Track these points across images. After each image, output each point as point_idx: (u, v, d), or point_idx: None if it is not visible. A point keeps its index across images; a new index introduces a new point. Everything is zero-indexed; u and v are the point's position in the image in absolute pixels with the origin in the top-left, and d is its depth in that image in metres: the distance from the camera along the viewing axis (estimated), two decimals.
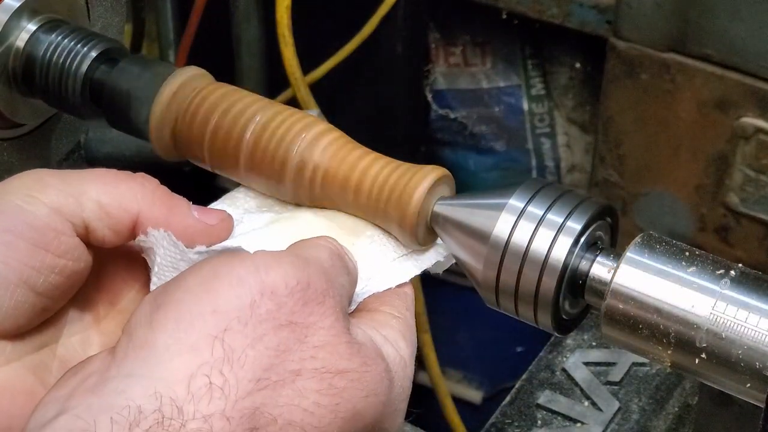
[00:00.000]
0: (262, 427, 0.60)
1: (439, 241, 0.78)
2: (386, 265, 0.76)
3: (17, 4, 0.87)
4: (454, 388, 2.05)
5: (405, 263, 0.77)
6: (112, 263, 0.73)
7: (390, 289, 0.74)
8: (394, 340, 0.70)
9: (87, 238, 0.69)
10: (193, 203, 0.73)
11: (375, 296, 0.73)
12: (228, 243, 0.73)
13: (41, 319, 0.69)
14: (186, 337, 0.60)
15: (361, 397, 0.64)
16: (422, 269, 0.77)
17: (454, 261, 0.79)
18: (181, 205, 0.71)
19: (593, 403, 1.07)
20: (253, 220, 0.78)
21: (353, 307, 0.73)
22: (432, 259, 0.78)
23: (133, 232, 0.70)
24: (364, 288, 0.73)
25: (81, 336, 0.72)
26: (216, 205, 0.79)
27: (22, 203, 0.66)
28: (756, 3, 1.45)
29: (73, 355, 0.70)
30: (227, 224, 0.74)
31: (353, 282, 0.71)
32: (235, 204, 0.80)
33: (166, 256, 0.70)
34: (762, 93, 1.50)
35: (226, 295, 0.62)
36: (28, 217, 0.66)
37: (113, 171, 0.71)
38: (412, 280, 0.76)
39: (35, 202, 0.67)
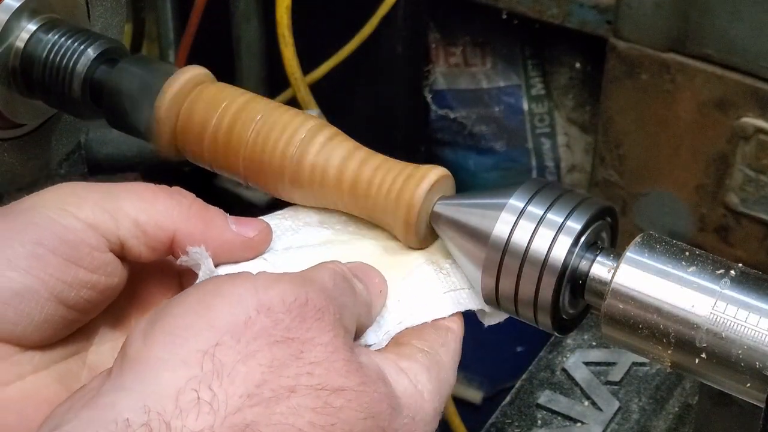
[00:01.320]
0: None
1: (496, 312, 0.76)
2: (431, 300, 0.74)
3: (17, 4, 0.87)
4: (454, 388, 2.04)
5: (450, 300, 0.74)
6: (147, 275, 0.73)
7: (428, 323, 0.72)
8: (414, 373, 0.67)
9: (122, 253, 0.68)
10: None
11: (410, 330, 0.72)
12: (254, 262, 0.72)
13: (71, 330, 0.68)
14: (177, 351, 0.59)
15: (358, 418, 0.62)
16: (469, 308, 0.75)
17: (501, 319, 0.77)
18: (217, 218, 0.70)
19: (593, 403, 1.07)
20: (309, 235, 0.76)
21: (385, 341, 0.71)
22: (474, 303, 0.75)
23: (170, 248, 0.69)
24: (402, 321, 0.72)
25: (111, 345, 0.71)
26: (277, 214, 0.78)
27: (56, 217, 0.66)
28: (756, 3, 1.45)
29: (103, 363, 0.69)
30: (265, 236, 0.73)
31: (362, 304, 0.69)
32: (297, 216, 0.78)
33: (206, 272, 0.69)
34: (762, 93, 1.50)
35: (222, 312, 0.61)
36: (61, 231, 0.66)
37: (150, 186, 0.70)
38: (460, 319, 0.73)
39: (69, 216, 0.66)
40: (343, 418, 0.61)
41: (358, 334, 0.69)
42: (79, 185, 0.69)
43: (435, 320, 0.72)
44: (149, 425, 0.56)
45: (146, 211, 0.68)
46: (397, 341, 0.71)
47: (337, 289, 0.66)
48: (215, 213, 0.71)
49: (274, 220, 0.77)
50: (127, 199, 0.68)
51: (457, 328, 0.73)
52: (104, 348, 0.71)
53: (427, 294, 0.74)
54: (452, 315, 0.73)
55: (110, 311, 0.71)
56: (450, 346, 0.71)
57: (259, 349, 0.60)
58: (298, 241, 0.76)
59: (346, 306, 0.66)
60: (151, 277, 0.73)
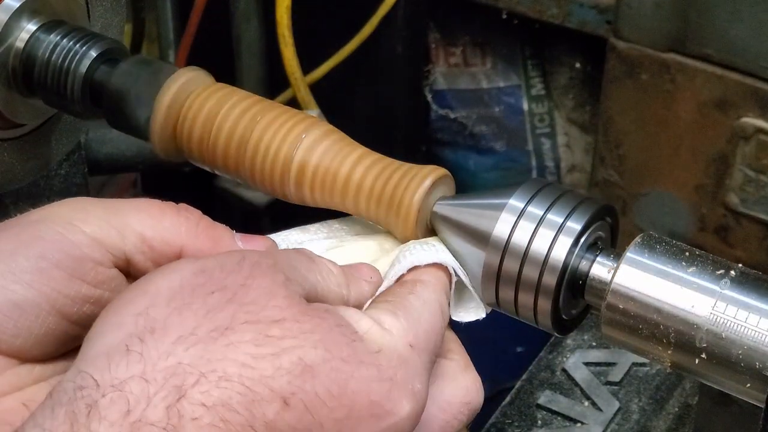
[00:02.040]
0: (191, 386, 0.56)
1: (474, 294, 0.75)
2: (411, 259, 0.72)
3: (17, 5, 0.87)
4: None
5: (433, 254, 0.73)
6: None
7: (398, 281, 0.71)
8: (376, 316, 0.65)
9: (128, 269, 0.68)
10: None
11: (382, 292, 0.70)
12: None
13: (74, 345, 0.67)
14: (113, 319, 0.60)
15: (307, 347, 0.59)
16: (453, 267, 0.73)
17: (483, 316, 0.76)
18: (225, 236, 0.70)
19: (593, 403, 1.07)
20: (314, 248, 0.76)
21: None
22: (465, 278, 0.75)
23: None
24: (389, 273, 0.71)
25: None
26: (283, 232, 0.78)
27: (63, 231, 0.66)
28: (756, 3, 1.45)
29: None
30: (273, 251, 0.72)
31: (321, 272, 0.68)
32: (305, 232, 0.78)
33: None
34: (762, 93, 1.50)
35: (158, 280, 0.62)
36: (66, 245, 0.65)
37: (158, 203, 0.69)
38: (437, 271, 0.72)
39: (76, 231, 0.66)
40: (287, 347, 0.59)
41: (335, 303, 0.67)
42: (87, 200, 0.69)
43: (403, 279, 0.71)
44: (80, 385, 0.56)
45: (153, 227, 0.68)
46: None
47: (284, 254, 0.66)
48: (222, 230, 0.70)
49: (280, 237, 0.77)
50: (134, 215, 0.68)
51: (431, 278, 0.70)
52: None
53: (407, 260, 0.73)
54: (426, 268, 0.71)
55: None
56: (419, 293, 0.69)
57: (192, 302, 0.60)
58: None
59: (294, 266, 0.65)
60: None
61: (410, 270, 0.72)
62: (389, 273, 0.72)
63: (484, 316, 0.76)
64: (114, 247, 0.67)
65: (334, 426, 0.59)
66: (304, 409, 0.58)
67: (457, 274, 0.74)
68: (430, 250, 0.74)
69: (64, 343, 0.67)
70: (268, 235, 0.75)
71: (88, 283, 0.66)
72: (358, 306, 0.69)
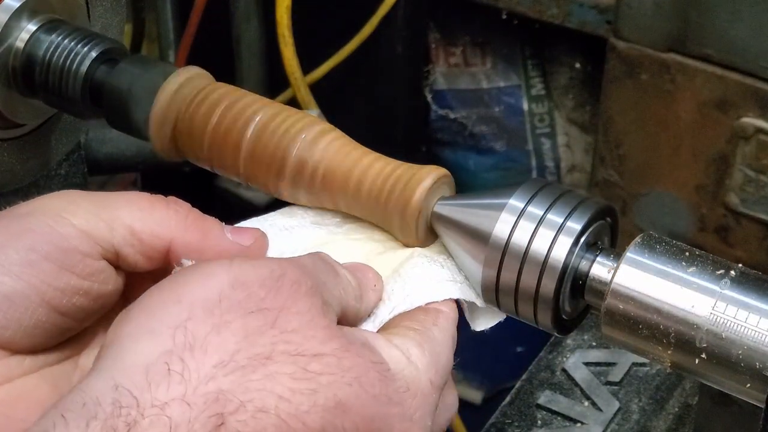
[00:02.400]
0: (229, 414, 0.57)
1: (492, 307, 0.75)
2: (423, 288, 0.73)
3: (17, 4, 0.87)
4: None
5: (442, 287, 0.74)
6: (145, 285, 0.72)
7: (420, 307, 0.71)
8: (405, 347, 0.66)
9: (117, 262, 0.68)
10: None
11: (401, 315, 0.71)
12: None
13: (65, 337, 0.68)
14: (147, 326, 0.59)
15: (342, 384, 0.60)
16: (462, 297, 0.74)
17: (500, 319, 0.76)
18: (214, 228, 0.70)
19: (593, 403, 1.07)
20: (303, 236, 0.77)
21: (376, 325, 0.70)
22: (469, 294, 0.75)
23: (167, 257, 0.69)
24: (395, 308, 0.71)
25: None
26: (270, 215, 0.78)
27: (52, 223, 0.66)
28: (756, 3, 1.45)
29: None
30: (262, 243, 0.72)
31: (348, 287, 0.68)
32: (291, 216, 0.78)
33: None
34: (762, 93, 1.50)
35: (193, 287, 0.61)
36: (56, 237, 0.65)
37: (147, 195, 0.69)
38: (453, 304, 0.72)
39: (65, 223, 0.66)
40: (324, 384, 0.59)
41: (350, 322, 0.68)
42: (77, 193, 0.69)
43: (424, 306, 0.71)
44: (119, 402, 0.56)
45: (142, 219, 0.68)
46: (387, 327, 0.70)
47: (316, 268, 0.65)
48: (212, 222, 0.70)
49: (267, 221, 0.77)
50: (124, 208, 0.68)
51: (450, 311, 0.72)
52: (96, 351, 0.70)
53: (419, 282, 0.74)
54: (444, 300, 0.72)
55: (106, 319, 0.70)
56: (442, 326, 0.70)
57: (232, 321, 0.59)
58: (292, 243, 0.76)
59: (325, 283, 0.65)
60: (147, 287, 0.72)
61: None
62: (397, 291, 0.72)
63: (503, 317, 0.76)
64: (103, 239, 0.67)
65: None
66: None
67: (471, 298, 0.74)
68: (442, 276, 0.74)
69: (54, 335, 0.67)
70: (253, 219, 0.75)
71: (77, 275, 0.66)
72: (366, 314, 0.70)
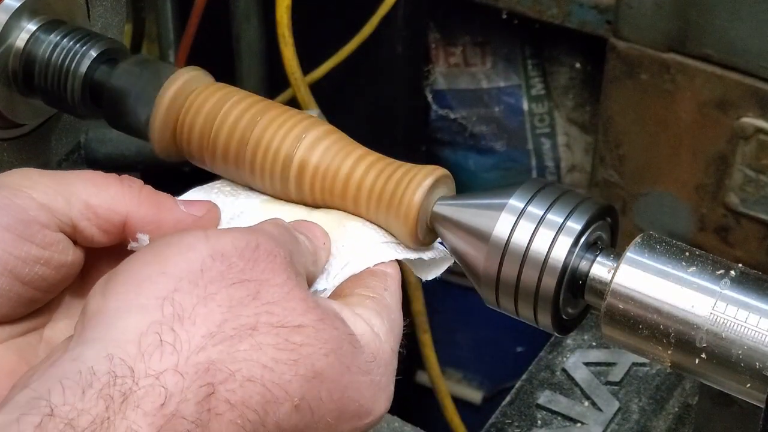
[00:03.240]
0: (219, 383, 0.60)
1: (435, 244, 0.78)
2: (366, 249, 0.75)
3: (17, 4, 0.87)
4: (454, 388, 2.05)
5: (388, 248, 0.76)
6: (106, 261, 0.74)
7: (368, 269, 0.74)
8: (367, 317, 0.69)
9: (74, 235, 0.70)
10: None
11: (350, 280, 0.73)
12: None
13: (30, 309, 0.70)
14: (135, 299, 0.61)
15: (320, 354, 0.63)
16: (405, 257, 0.76)
17: (449, 264, 0.78)
18: (167, 201, 0.73)
19: (593, 403, 1.07)
20: (249, 198, 0.79)
21: (333, 286, 0.73)
22: (420, 253, 0.77)
23: (123, 232, 0.71)
24: (342, 270, 0.74)
25: (67, 321, 0.73)
26: (215, 183, 0.81)
27: (11, 196, 0.68)
28: (756, 3, 1.45)
29: (58, 338, 0.71)
30: (214, 214, 0.75)
31: (307, 253, 0.71)
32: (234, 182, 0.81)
33: None
34: (762, 93, 1.50)
35: (176, 260, 0.63)
36: (15, 209, 0.68)
37: (100, 173, 0.72)
38: (396, 263, 0.75)
39: (24, 196, 0.68)
40: (305, 354, 0.63)
41: (308, 283, 0.71)
42: (35, 170, 0.71)
43: (372, 267, 0.74)
44: (113, 371, 0.58)
45: (98, 194, 0.70)
46: (342, 292, 0.72)
47: (283, 237, 0.68)
48: (165, 196, 0.73)
49: (213, 189, 0.80)
50: (79, 183, 0.71)
51: (395, 272, 0.75)
52: (61, 324, 0.72)
53: (365, 241, 0.76)
54: (387, 261, 0.75)
55: (69, 294, 0.73)
56: (392, 290, 0.73)
57: (216, 292, 0.62)
58: (239, 207, 0.78)
59: (292, 253, 0.68)
60: (110, 263, 0.74)
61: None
62: (347, 246, 0.74)
63: (451, 262, 0.78)
64: (60, 212, 0.69)
65: (326, 425, 0.64)
66: (309, 410, 0.63)
67: (415, 255, 0.77)
68: (380, 238, 0.76)
69: (19, 306, 0.69)
70: (197, 188, 0.79)
71: (37, 245, 0.68)
72: (319, 274, 0.73)
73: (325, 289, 0.73)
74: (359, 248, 0.75)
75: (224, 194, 0.79)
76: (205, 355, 0.60)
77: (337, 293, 0.73)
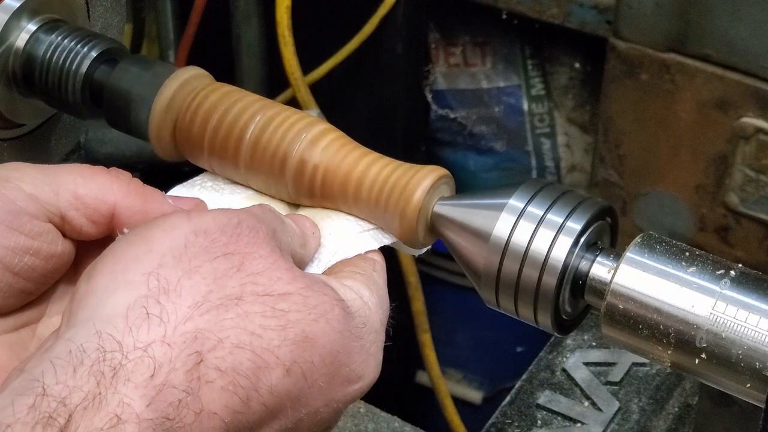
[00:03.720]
0: (208, 351, 0.60)
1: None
2: (354, 238, 0.77)
3: (17, 4, 0.87)
4: (454, 388, 2.05)
5: (372, 236, 0.77)
6: (93, 256, 0.75)
7: (357, 255, 0.75)
8: (356, 287, 0.70)
9: (63, 226, 0.71)
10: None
11: (340, 262, 0.75)
12: None
13: (22, 301, 0.71)
14: (122, 277, 0.62)
15: (309, 320, 0.64)
16: (390, 242, 0.78)
17: (429, 246, 0.79)
18: (155, 193, 0.73)
19: (593, 403, 1.07)
20: (234, 192, 0.80)
21: (321, 269, 0.74)
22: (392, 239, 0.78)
23: (111, 224, 0.72)
24: (333, 257, 0.75)
25: (60, 317, 0.73)
26: (198, 179, 0.81)
27: (1, 188, 0.69)
28: (756, 3, 1.45)
29: (50, 332, 0.71)
30: (202, 207, 0.76)
31: (294, 235, 0.72)
32: (216, 177, 0.81)
33: None
34: (762, 93, 1.50)
35: (160, 238, 0.64)
36: (4, 200, 0.68)
37: (88, 165, 0.73)
38: (381, 251, 0.76)
39: (13, 187, 0.69)
40: (293, 320, 0.64)
41: (299, 266, 0.72)
42: (22, 164, 0.72)
43: (361, 254, 0.75)
44: (102, 347, 0.59)
45: (86, 185, 0.71)
46: (332, 270, 0.74)
47: (266, 216, 0.70)
48: (152, 189, 0.73)
49: (196, 184, 0.80)
50: (67, 175, 0.71)
51: (381, 259, 0.76)
52: (54, 320, 0.73)
53: (351, 231, 0.77)
54: (375, 250, 0.76)
55: (61, 288, 0.74)
56: (380, 272, 0.74)
57: (200, 265, 0.63)
58: (224, 203, 0.79)
59: (276, 230, 0.69)
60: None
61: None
62: (334, 236, 0.76)
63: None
64: (48, 202, 0.70)
65: (319, 390, 0.65)
66: (301, 375, 0.64)
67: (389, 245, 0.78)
68: (363, 227, 0.78)
69: (11, 297, 0.69)
70: (181, 185, 0.80)
71: (26, 235, 0.69)
72: (309, 260, 0.75)
73: (316, 266, 0.75)
74: (347, 237, 0.76)
75: (207, 190, 0.80)
76: (192, 324, 0.61)
77: (327, 272, 0.74)
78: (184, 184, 0.80)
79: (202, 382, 0.60)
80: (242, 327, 0.62)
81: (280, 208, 0.78)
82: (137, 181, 0.73)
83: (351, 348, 0.67)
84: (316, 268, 0.74)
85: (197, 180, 0.81)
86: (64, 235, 0.71)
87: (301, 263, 0.73)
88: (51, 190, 0.70)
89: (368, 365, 0.69)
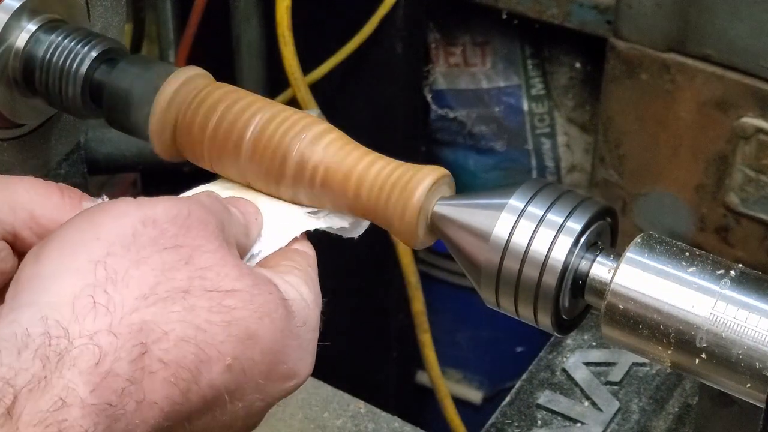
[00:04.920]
0: (153, 343, 0.61)
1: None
2: (291, 222, 0.78)
3: (17, 4, 0.87)
4: (454, 388, 2.05)
5: (304, 220, 0.78)
6: None
7: (291, 248, 0.76)
8: (296, 284, 0.71)
9: (14, 243, 0.71)
10: None
11: (276, 253, 0.76)
12: None
13: None
14: (70, 263, 0.63)
15: (254, 318, 0.66)
16: (320, 227, 0.78)
17: (362, 230, 0.80)
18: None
19: (593, 403, 1.07)
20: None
21: (254, 261, 0.75)
22: (334, 222, 0.79)
23: None
24: (271, 244, 0.76)
25: None
26: None
27: None
28: (756, 3, 1.45)
29: None
30: None
31: (239, 225, 0.73)
32: None
33: None
34: (762, 93, 1.50)
35: (109, 225, 0.65)
36: None
37: (41, 181, 0.73)
38: (312, 247, 0.78)
39: None
40: (238, 317, 0.65)
41: (240, 254, 0.72)
42: None
43: (294, 246, 0.77)
44: (48, 333, 0.59)
45: (42, 204, 0.71)
46: (269, 263, 0.74)
47: (214, 207, 0.70)
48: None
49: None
50: (25, 193, 0.71)
51: (312, 252, 0.77)
52: None
53: (289, 215, 0.78)
54: (304, 242, 0.77)
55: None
56: (313, 267, 0.76)
57: (149, 256, 0.64)
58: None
59: (225, 222, 0.70)
60: None
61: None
62: (273, 221, 0.77)
63: (368, 224, 0.81)
64: (4, 221, 0.70)
65: (256, 385, 0.67)
66: (241, 370, 0.65)
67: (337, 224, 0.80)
68: (300, 210, 0.79)
69: None
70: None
71: None
72: (251, 246, 0.76)
73: (253, 257, 0.76)
74: (284, 222, 0.77)
75: None
76: (139, 316, 0.62)
77: (264, 264, 0.75)
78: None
79: (146, 372, 0.61)
80: (188, 321, 0.63)
81: (232, 191, 0.79)
82: (87, 199, 0.73)
83: (290, 346, 0.68)
84: (253, 257, 0.76)
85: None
86: (15, 252, 0.71)
87: (243, 252, 0.74)
88: (9, 208, 0.70)
89: (304, 362, 0.70)
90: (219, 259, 0.66)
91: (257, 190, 0.80)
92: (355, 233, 0.81)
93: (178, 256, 0.65)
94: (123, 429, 0.60)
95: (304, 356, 0.70)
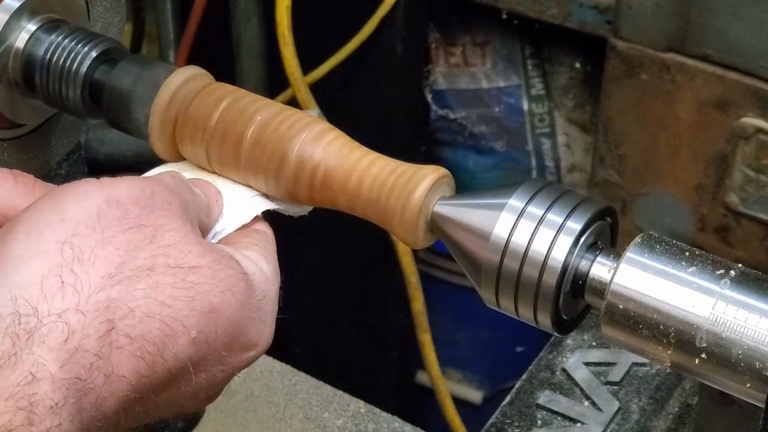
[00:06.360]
0: (119, 320, 0.64)
1: None
2: (246, 202, 0.79)
3: (17, 4, 0.87)
4: (454, 388, 2.05)
5: (261, 201, 0.80)
6: None
7: (250, 228, 0.78)
8: (255, 259, 0.74)
9: None
10: None
11: (236, 232, 0.78)
12: None
13: None
14: (37, 245, 0.64)
15: (217, 292, 0.68)
16: (278, 207, 0.80)
17: (311, 207, 0.82)
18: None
19: (593, 403, 1.07)
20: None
21: (216, 239, 0.77)
22: (290, 206, 0.81)
23: None
24: (231, 223, 0.77)
25: None
26: None
27: None
28: (756, 3, 1.45)
29: None
30: None
31: (201, 205, 0.75)
32: None
33: None
34: (762, 93, 1.50)
35: (73, 207, 0.66)
36: None
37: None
38: (269, 226, 0.79)
39: None
40: (201, 292, 0.67)
41: (202, 233, 0.74)
42: None
43: (252, 225, 0.79)
44: (17, 312, 0.61)
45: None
46: (230, 241, 0.76)
47: (177, 187, 0.73)
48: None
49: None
50: None
51: (270, 231, 0.79)
52: None
53: (241, 197, 0.79)
54: (262, 222, 0.79)
55: None
56: (272, 244, 0.78)
57: (114, 236, 0.66)
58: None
59: (187, 202, 0.72)
60: None
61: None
62: (232, 202, 0.78)
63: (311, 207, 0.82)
64: None
65: (219, 356, 0.69)
66: (205, 343, 0.68)
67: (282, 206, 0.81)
68: (257, 194, 0.80)
69: None
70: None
71: None
72: (212, 226, 0.78)
73: (216, 235, 0.78)
74: (242, 204, 0.79)
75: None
76: (105, 294, 0.64)
77: (225, 242, 0.76)
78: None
79: (113, 347, 0.63)
80: (153, 297, 0.65)
81: (193, 172, 0.80)
82: (41, 184, 0.74)
83: (251, 318, 0.71)
84: (214, 236, 0.77)
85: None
86: None
87: (204, 231, 0.76)
88: None
89: (264, 334, 0.72)
90: (182, 237, 0.68)
91: (214, 173, 0.81)
92: (305, 211, 0.83)
93: (142, 235, 0.67)
94: (92, 402, 0.62)
95: (264, 328, 0.72)
